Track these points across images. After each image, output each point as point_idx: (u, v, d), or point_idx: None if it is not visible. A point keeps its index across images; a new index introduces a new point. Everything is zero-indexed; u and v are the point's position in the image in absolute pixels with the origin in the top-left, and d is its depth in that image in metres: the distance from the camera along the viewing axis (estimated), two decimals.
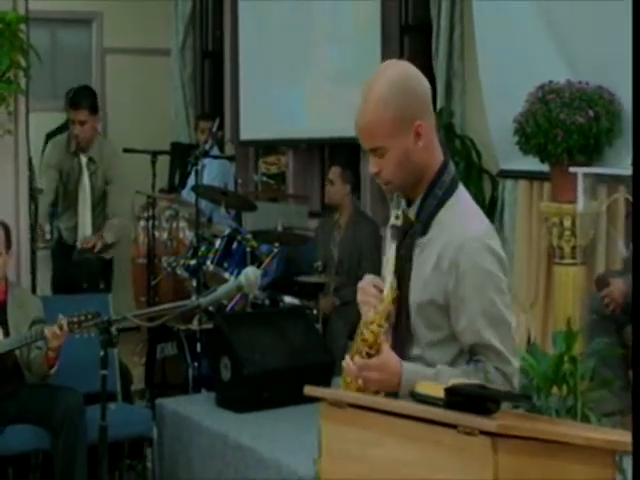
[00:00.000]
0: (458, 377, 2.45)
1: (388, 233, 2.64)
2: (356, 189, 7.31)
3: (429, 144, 2.59)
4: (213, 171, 7.90)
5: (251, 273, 3.38)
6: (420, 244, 2.58)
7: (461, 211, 2.59)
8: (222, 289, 3.41)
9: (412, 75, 2.61)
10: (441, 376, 2.50)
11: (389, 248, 2.60)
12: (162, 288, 7.33)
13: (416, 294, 2.58)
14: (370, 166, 2.63)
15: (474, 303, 2.52)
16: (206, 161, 7.66)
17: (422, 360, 2.60)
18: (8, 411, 5.05)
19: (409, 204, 2.65)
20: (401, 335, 2.62)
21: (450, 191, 2.60)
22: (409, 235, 2.61)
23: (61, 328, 4.73)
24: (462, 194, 2.64)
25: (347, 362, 2.60)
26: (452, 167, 2.64)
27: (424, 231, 2.58)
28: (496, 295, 2.53)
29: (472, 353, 2.57)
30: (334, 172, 6.96)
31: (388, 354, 2.55)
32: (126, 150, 7.59)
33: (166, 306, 2.70)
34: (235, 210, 7.68)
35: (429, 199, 2.59)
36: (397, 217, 2.59)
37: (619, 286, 5.00)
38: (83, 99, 6.77)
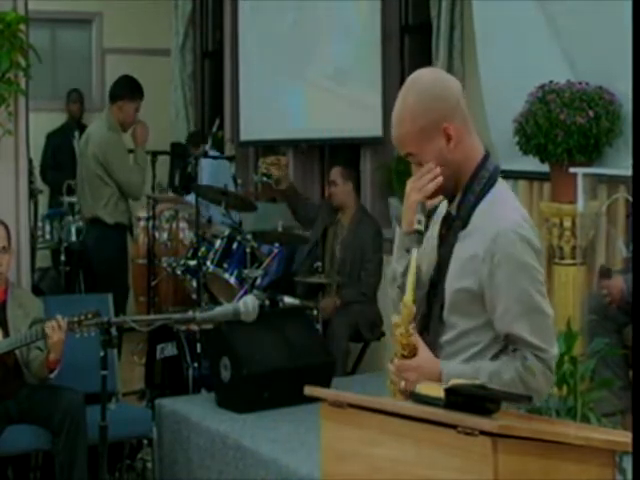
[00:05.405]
0: (498, 370, 2.57)
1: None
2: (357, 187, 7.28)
3: (462, 142, 2.67)
4: (212, 172, 7.89)
5: (250, 303, 3.42)
6: (460, 237, 2.67)
7: (497, 203, 2.67)
8: (219, 309, 3.57)
9: (437, 82, 2.69)
10: (481, 371, 2.58)
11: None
12: (162, 288, 7.34)
13: (452, 282, 2.65)
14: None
15: (508, 294, 2.60)
16: (205, 162, 7.66)
17: (453, 346, 2.67)
18: (8, 411, 5.05)
19: (451, 200, 2.73)
20: (434, 323, 2.69)
21: (488, 185, 2.68)
22: (452, 228, 2.70)
23: (59, 326, 4.73)
24: (501, 187, 2.71)
25: (388, 364, 2.70)
26: (492, 162, 2.72)
27: (464, 225, 2.67)
28: (530, 285, 2.62)
29: (507, 341, 2.64)
30: (335, 172, 6.91)
31: (424, 355, 2.64)
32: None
33: (163, 316, 2.76)
34: (235, 210, 7.68)
35: (468, 194, 2.68)
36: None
37: (619, 283, 5.00)
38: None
